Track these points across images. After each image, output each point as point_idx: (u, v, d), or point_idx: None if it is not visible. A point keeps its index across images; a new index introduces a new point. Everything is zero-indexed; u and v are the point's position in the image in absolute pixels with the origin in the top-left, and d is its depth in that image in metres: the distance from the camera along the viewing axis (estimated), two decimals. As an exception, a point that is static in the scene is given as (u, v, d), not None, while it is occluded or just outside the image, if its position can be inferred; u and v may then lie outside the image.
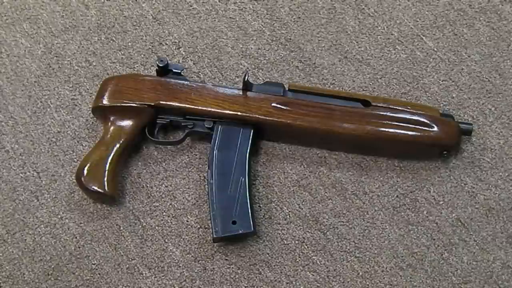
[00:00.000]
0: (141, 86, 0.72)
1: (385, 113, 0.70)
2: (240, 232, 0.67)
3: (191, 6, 0.83)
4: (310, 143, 0.74)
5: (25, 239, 0.71)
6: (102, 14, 0.83)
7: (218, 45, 0.81)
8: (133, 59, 0.81)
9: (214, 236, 0.67)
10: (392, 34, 0.81)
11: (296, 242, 0.71)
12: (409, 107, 0.72)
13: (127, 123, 0.72)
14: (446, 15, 0.82)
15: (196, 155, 0.75)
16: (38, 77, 0.80)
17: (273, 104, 0.71)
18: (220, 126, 0.72)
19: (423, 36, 0.81)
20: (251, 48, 0.81)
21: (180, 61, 0.80)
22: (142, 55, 0.81)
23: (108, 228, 0.71)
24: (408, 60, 0.80)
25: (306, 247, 0.71)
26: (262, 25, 0.82)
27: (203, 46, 0.81)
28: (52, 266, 0.70)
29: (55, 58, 0.80)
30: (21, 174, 0.74)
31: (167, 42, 0.81)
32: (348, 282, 0.70)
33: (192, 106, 0.71)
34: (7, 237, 0.71)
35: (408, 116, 0.70)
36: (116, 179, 0.71)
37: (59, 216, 0.72)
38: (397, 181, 0.74)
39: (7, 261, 0.70)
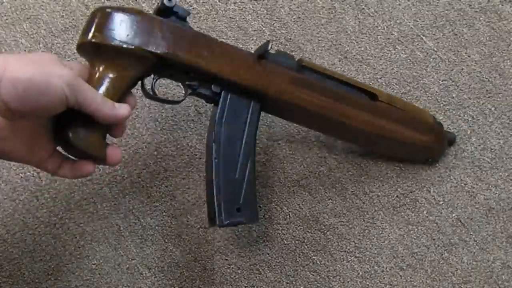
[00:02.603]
0: None
1: (390, 111, 0.68)
2: (245, 221, 0.60)
3: (191, 6, 0.83)
4: (310, 125, 0.69)
5: (25, 239, 0.71)
6: (102, 14, 0.83)
7: (218, 45, 0.81)
8: (133, 59, 0.81)
9: (218, 223, 0.59)
10: (392, 34, 0.81)
11: (296, 242, 0.71)
12: (409, 109, 0.70)
13: (119, 70, 0.55)
14: (446, 15, 0.83)
15: (196, 155, 0.75)
16: (38, 77, 0.80)
17: (290, 81, 0.62)
18: (228, 94, 0.61)
19: (423, 36, 0.81)
20: (251, 48, 0.81)
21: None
22: (142, 55, 0.81)
23: (108, 228, 0.72)
24: (408, 60, 0.80)
25: (306, 247, 0.71)
26: (262, 25, 0.82)
27: (203, 46, 0.81)
28: (52, 266, 0.70)
29: (55, 58, 0.80)
30: (21, 174, 0.74)
31: (167, 42, 0.81)
32: (348, 282, 0.70)
33: (204, 65, 0.58)
34: (7, 237, 0.71)
35: (409, 118, 0.69)
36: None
37: (59, 216, 0.72)
38: (397, 181, 0.74)
39: (7, 261, 0.70)
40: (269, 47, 0.59)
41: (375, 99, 0.67)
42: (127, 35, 0.54)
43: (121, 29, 0.55)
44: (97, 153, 0.53)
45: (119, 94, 0.54)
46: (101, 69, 0.55)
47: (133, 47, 0.54)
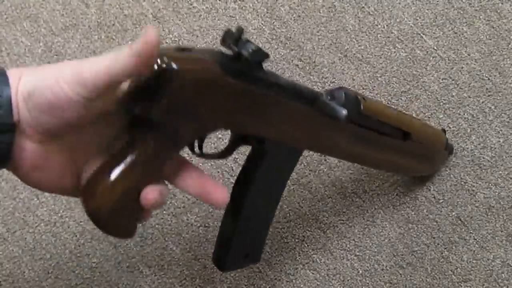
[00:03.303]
0: (218, 97, 0.43)
1: (414, 148, 0.64)
2: (248, 265, 0.57)
3: (191, 4, 0.83)
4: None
5: (25, 238, 0.71)
6: (102, 12, 0.83)
7: (219, 44, 0.81)
8: (133, 57, 0.81)
9: (221, 267, 0.54)
10: (392, 33, 0.81)
11: (296, 240, 0.71)
12: (430, 141, 0.66)
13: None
14: (446, 14, 0.83)
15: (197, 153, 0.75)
16: (38, 75, 0.80)
17: (344, 138, 0.55)
18: (279, 147, 0.51)
19: (423, 34, 0.81)
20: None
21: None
22: (142, 54, 0.81)
23: (108, 226, 0.72)
24: (408, 59, 0.80)
25: (306, 245, 0.71)
26: (262, 23, 0.82)
27: (203, 44, 0.81)
28: (52, 265, 0.70)
29: (55, 56, 0.81)
30: (21, 173, 0.74)
31: (168, 41, 0.82)
32: (348, 280, 0.70)
33: (265, 134, 0.48)
34: (7, 236, 0.71)
35: (429, 153, 0.68)
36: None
37: (59, 215, 0.72)
38: (397, 179, 0.74)
39: (7, 260, 0.70)
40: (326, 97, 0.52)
41: (406, 137, 0.62)
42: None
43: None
44: (126, 236, 0.44)
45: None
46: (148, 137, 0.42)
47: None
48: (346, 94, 0.53)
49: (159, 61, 0.38)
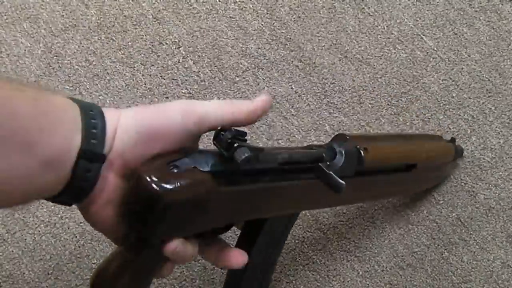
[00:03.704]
0: (213, 206, 0.42)
1: (421, 173, 0.64)
2: None
3: (191, 5, 0.83)
4: None
5: (25, 239, 0.71)
6: (102, 13, 0.83)
7: (218, 45, 0.81)
8: (133, 58, 0.81)
9: None
10: (392, 34, 0.81)
11: (296, 241, 0.71)
12: (438, 159, 0.67)
13: None
14: (446, 15, 0.82)
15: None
16: (38, 76, 0.80)
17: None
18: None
19: (423, 35, 0.81)
20: (251, 48, 0.81)
21: (180, 61, 0.80)
22: (142, 55, 0.81)
23: (108, 227, 0.72)
24: (408, 60, 0.80)
25: (306, 246, 0.71)
26: (262, 24, 0.82)
27: (203, 45, 0.81)
28: (52, 266, 0.70)
29: (55, 57, 0.81)
30: (21, 174, 0.74)
31: (167, 42, 0.82)
32: (348, 281, 0.70)
33: (268, 213, 0.50)
34: (7, 237, 0.71)
35: (435, 169, 0.69)
36: None
37: (59, 216, 0.72)
38: (397, 180, 0.74)
39: (7, 261, 0.70)
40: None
41: (412, 168, 0.62)
42: None
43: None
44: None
45: None
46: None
47: None
48: (347, 152, 0.50)
49: (147, 181, 0.37)
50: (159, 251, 0.41)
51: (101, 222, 0.41)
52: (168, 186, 0.37)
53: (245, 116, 0.42)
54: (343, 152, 0.50)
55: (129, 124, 0.39)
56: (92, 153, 0.37)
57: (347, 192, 0.49)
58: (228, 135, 0.40)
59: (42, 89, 0.37)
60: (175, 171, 0.39)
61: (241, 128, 0.43)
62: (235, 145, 0.40)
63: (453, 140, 0.71)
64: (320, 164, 0.48)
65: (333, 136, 0.53)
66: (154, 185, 0.37)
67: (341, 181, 0.46)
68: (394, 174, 0.60)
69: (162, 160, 0.39)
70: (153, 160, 0.39)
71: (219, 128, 0.41)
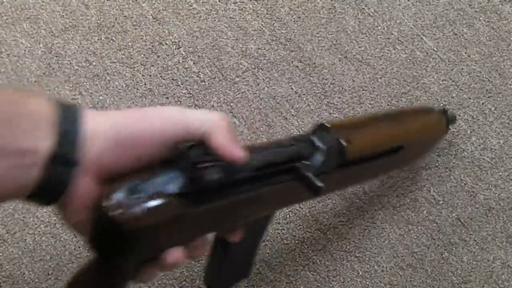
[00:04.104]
0: (181, 226, 0.42)
1: (410, 152, 0.63)
2: (239, 282, 0.60)
3: (191, 6, 0.83)
4: None
5: (25, 239, 0.71)
6: (102, 14, 0.83)
7: (218, 45, 0.81)
8: (133, 58, 0.81)
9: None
10: (392, 34, 0.81)
11: (296, 241, 0.71)
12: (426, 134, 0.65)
13: None
14: (446, 15, 0.83)
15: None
16: (38, 76, 0.80)
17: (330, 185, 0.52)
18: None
19: (423, 36, 0.81)
20: (251, 48, 0.81)
21: (180, 61, 0.80)
22: (142, 55, 0.81)
23: (108, 227, 0.71)
24: (408, 60, 0.80)
25: (306, 246, 0.71)
26: (262, 25, 0.82)
27: (203, 46, 0.81)
28: (52, 266, 0.70)
29: (55, 57, 0.81)
30: (21, 174, 0.74)
31: (167, 42, 0.82)
32: (348, 281, 0.70)
33: (245, 220, 0.49)
34: (7, 237, 0.71)
35: (426, 148, 0.68)
36: None
37: (59, 216, 0.72)
38: (397, 181, 0.74)
39: (7, 261, 0.70)
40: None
41: (399, 150, 0.60)
42: None
43: None
44: None
45: None
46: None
47: None
48: (327, 147, 0.48)
49: (109, 214, 0.36)
50: (123, 267, 0.40)
51: (77, 225, 0.41)
52: (133, 216, 0.36)
53: (219, 151, 0.40)
54: (323, 148, 0.48)
55: (108, 130, 0.38)
56: (64, 158, 0.37)
57: (329, 185, 0.49)
58: (195, 154, 0.38)
59: (19, 91, 0.37)
60: (139, 197, 0.36)
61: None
62: (204, 165, 0.38)
63: (444, 111, 0.69)
64: (297, 164, 0.46)
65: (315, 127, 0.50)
66: (117, 218, 0.35)
67: (319, 184, 0.44)
68: (381, 159, 0.57)
69: (124, 186, 0.37)
70: (114, 187, 0.37)
71: (187, 144, 0.38)
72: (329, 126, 0.50)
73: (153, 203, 0.37)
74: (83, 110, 0.39)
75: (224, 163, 0.39)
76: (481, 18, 0.82)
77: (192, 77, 0.79)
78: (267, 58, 0.80)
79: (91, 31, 0.82)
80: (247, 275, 0.60)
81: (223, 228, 0.48)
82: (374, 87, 0.79)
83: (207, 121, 0.40)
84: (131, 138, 0.38)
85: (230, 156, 0.40)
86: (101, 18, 0.83)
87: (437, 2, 0.83)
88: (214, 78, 0.79)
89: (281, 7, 0.83)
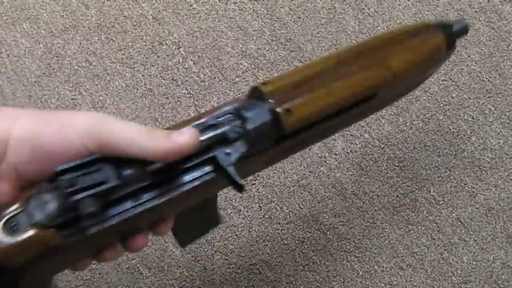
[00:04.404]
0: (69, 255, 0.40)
1: (394, 90, 0.50)
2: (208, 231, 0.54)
3: (191, 6, 0.83)
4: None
5: None
6: (102, 14, 0.83)
7: (218, 45, 0.81)
8: (133, 59, 0.81)
9: (184, 246, 0.54)
10: (392, 34, 0.81)
11: (296, 242, 0.71)
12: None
13: None
14: (446, 15, 0.82)
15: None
16: (38, 77, 0.80)
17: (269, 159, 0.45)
18: None
19: (423, 36, 0.81)
20: (251, 48, 0.81)
21: (180, 61, 0.80)
22: (142, 55, 0.81)
23: (108, 228, 0.71)
24: (408, 60, 0.80)
25: (306, 246, 0.71)
26: (262, 25, 0.82)
27: (203, 46, 0.81)
28: None
29: (55, 58, 0.81)
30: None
31: (167, 42, 0.82)
32: (348, 281, 0.70)
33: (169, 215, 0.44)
34: None
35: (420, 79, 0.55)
36: None
37: None
38: (397, 181, 0.74)
39: (7, 261, 0.70)
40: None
41: (370, 99, 0.48)
42: None
43: None
44: None
45: None
46: None
47: None
48: (258, 123, 0.40)
49: None
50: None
51: None
52: (5, 250, 0.34)
53: (160, 154, 0.36)
54: (251, 127, 0.40)
55: (23, 138, 0.35)
56: None
57: (269, 160, 0.43)
58: (67, 182, 0.34)
59: None
60: (14, 230, 0.34)
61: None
62: (76, 197, 0.34)
63: (445, 26, 0.52)
64: (215, 155, 0.39)
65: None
66: None
67: (239, 182, 0.38)
68: (340, 116, 0.46)
69: (0, 216, 0.35)
70: None
71: (57, 169, 0.34)
72: (264, 91, 0.41)
73: (27, 236, 0.34)
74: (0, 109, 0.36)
75: (103, 186, 0.35)
76: (481, 18, 0.82)
77: (192, 77, 0.79)
78: (267, 58, 0.80)
79: (91, 31, 0.82)
80: (217, 223, 0.52)
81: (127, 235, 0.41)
82: (374, 87, 0.79)
83: (131, 136, 0.36)
84: (48, 154, 0.35)
85: (173, 148, 0.36)
86: (101, 18, 0.83)
87: (437, 2, 0.83)
88: (214, 78, 0.79)
89: (281, 7, 0.83)
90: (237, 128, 0.40)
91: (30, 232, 0.34)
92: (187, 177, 0.39)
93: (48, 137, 0.35)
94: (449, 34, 0.52)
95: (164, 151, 0.36)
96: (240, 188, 0.38)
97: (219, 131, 0.39)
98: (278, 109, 0.40)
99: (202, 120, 0.40)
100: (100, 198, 0.35)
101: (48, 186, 0.35)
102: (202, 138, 0.39)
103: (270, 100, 0.41)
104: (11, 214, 0.35)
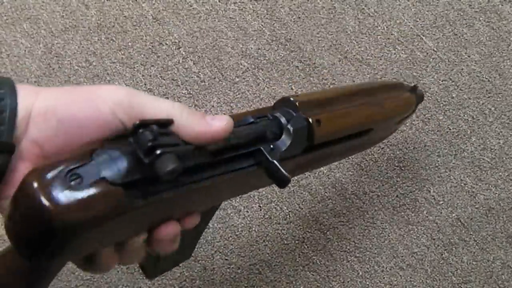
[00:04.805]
0: (125, 221, 0.37)
1: (377, 133, 0.59)
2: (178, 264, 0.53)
3: (191, 6, 0.83)
4: None
5: None
6: (102, 14, 0.83)
7: (218, 45, 0.81)
8: (133, 59, 0.81)
9: (151, 278, 0.52)
10: (392, 34, 0.81)
11: (296, 242, 0.71)
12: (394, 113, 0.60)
13: None
14: (446, 15, 0.83)
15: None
16: (38, 77, 0.80)
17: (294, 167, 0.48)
18: None
19: (423, 36, 0.81)
20: (251, 48, 0.81)
21: (180, 61, 0.80)
22: (142, 55, 0.81)
23: (108, 228, 0.71)
24: (408, 60, 0.80)
25: (306, 246, 0.71)
26: (262, 25, 0.82)
27: (203, 46, 0.81)
28: None
29: (55, 58, 0.81)
30: (21, 174, 0.74)
31: (167, 42, 0.82)
32: (348, 282, 0.70)
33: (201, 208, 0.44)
34: (7, 237, 0.71)
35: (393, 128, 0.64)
36: None
37: None
38: (397, 181, 0.74)
39: None
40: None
41: (368, 132, 0.56)
42: None
43: None
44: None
45: None
46: None
47: None
48: (295, 128, 0.42)
49: (37, 197, 0.29)
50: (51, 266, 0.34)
51: None
52: (65, 205, 0.29)
53: (193, 134, 0.35)
54: (291, 130, 0.42)
55: (49, 110, 0.33)
56: None
57: (292, 170, 0.44)
58: (149, 135, 0.31)
59: None
60: (76, 183, 0.30)
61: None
62: (158, 152, 0.31)
63: (414, 88, 0.63)
64: (261, 148, 0.40)
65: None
66: (46, 204, 0.29)
67: (286, 174, 0.39)
68: (348, 142, 0.52)
69: (60, 166, 0.31)
70: (49, 166, 0.31)
71: (137, 122, 0.31)
72: (296, 102, 0.44)
73: (92, 191, 0.30)
74: (17, 85, 0.33)
75: (180, 147, 0.33)
76: (481, 18, 0.82)
77: (192, 77, 0.79)
78: (267, 58, 0.80)
79: (91, 32, 0.82)
80: (189, 256, 0.53)
81: (175, 217, 0.40)
82: (374, 87, 0.79)
83: (165, 110, 0.34)
84: (77, 123, 0.33)
85: (208, 131, 0.35)
86: (101, 18, 0.83)
87: (437, 2, 0.83)
88: (214, 78, 0.79)
89: (281, 7, 0.83)
90: (276, 129, 0.42)
91: (97, 188, 0.31)
92: (232, 165, 0.39)
93: (76, 108, 0.33)
94: (416, 96, 0.63)
95: (198, 132, 0.35)
96: (286, 181, 0.39)
97: (260, 127, 0.41)
98: (310, 119, 0.44)
99: (241, 118, 0.41)
100: (179, 158, 0.31)
101: (117, 142, 0.33)
102: (245, 131, 0.39)
103: (302, 109, 0.44)
104: (71, 167, 0.31)
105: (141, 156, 0.31)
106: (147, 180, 0.33)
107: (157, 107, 0.34)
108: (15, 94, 0.33)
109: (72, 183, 0.30)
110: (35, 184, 0.29)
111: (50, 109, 0.33)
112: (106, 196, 0.31)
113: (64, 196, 0.29)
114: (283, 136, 0.42)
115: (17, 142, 0.32)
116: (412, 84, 0.64)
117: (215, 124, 0.36)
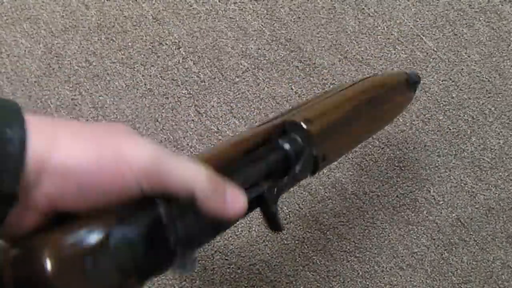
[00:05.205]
0: None
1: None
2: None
3: (191, 6, 0.83)
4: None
5: None
6: (102, 14, 0.83)
7: (218, 45, 0.81)
8: (133, 59, 0.81)
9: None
10: (392, 34, 0.81)
11: (296, 242, 0.71)
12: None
13: None
14: (446, 15, 0.83)
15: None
16: (38, 77, 0.80)
17: None
18: None
19: (423, 36, 0.81)
20: (251, 48, 0.81)
21: (180, 61, 0.80)
22: (142, 55, 0.81)
23: (108, 228, 0.71)
24: (408, 60, 0.80)
25: (306, 247, 0.71)
26: (262, 25, 0.82)
27: (203, 46, 0.81)
28: None
29: (55, 58, 0.81)
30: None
31: (167, 42, 0.82)
32: (348, 282, 0.70)
33: None
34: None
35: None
36: None
37: None
38: (397, 181, 0.74)
39: (7, 261, 0.70)
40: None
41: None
42: None
43: None
44: None
45: None
46: None
47: None
48: (302, 170, 0.43)
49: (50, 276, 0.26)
50: None
51: None
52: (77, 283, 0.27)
53: (211, 213, 0.34)
54: (297, 170, 0.42)
55: (70, 171, 0.29)
56: None
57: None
58: (166, 207, 0.31)
59: None
60: (91, 267, 0.28)
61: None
62: (172, 229, 0.31)
63: (413, 85, 0.61)
64: (264, 195, 0.40)
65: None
66: (47, 265, 0.26)
67: (281, 224, 0.40)
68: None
69: (76, 247, 0.28)
70: (63, 237, 0.28)
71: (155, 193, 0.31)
72: (309, 134, 0.43)
73: (108, 281, 0.29)
74: (27, 118, 0.28)
75: (192, 218, 0.33)
76: (481, 18, 0.82)
77: (192, 77, 0.79)
78: (267, 58, 0.80)
79: (91, 32, 0.82)
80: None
81: None
82: (374, 87, 0.79)
83: (193, 182, 0.33)
84: (97, 189, 0.30)
85: (225, 215, 0.34)
86: (101, 18, 0.83)
87: (437, 2, 0.83)
88: (214, 78, 0.79)
89: (281, 7, 0.83)
90: (283, 166, 0.42)
91: (111, 278, 0.29)
92: None
93: (100, 174, 0.30)
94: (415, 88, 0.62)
95: (215, 212, 0.34)
96: (279, 230, 0.40)
97: (269, 165, 0.40)
98: (318, 154, 0.45)
99: (248, 143, 0.41)
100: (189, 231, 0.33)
101: (132, 216, 0.31)
102: (254, 172, 0.39)
103: (311, 140, 0.43)
104: (88, 250, 0.29)
105: (157, 231, 0.31)
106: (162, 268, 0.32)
107: (181, 174, 0.32)
108: (23, 140, 0.28)
109: (88, 267, 0.28)
110: (48, 263, 0.26)
111: (71, 171, 0.29)
112: (121, 286, 0.30)
113: (77, 283, 0.27)
114: (289, 177, 0.42)
115: (23, 193, 0.28)
116: (411, 78, 0.61)
117: (235, 207, 0.35)
